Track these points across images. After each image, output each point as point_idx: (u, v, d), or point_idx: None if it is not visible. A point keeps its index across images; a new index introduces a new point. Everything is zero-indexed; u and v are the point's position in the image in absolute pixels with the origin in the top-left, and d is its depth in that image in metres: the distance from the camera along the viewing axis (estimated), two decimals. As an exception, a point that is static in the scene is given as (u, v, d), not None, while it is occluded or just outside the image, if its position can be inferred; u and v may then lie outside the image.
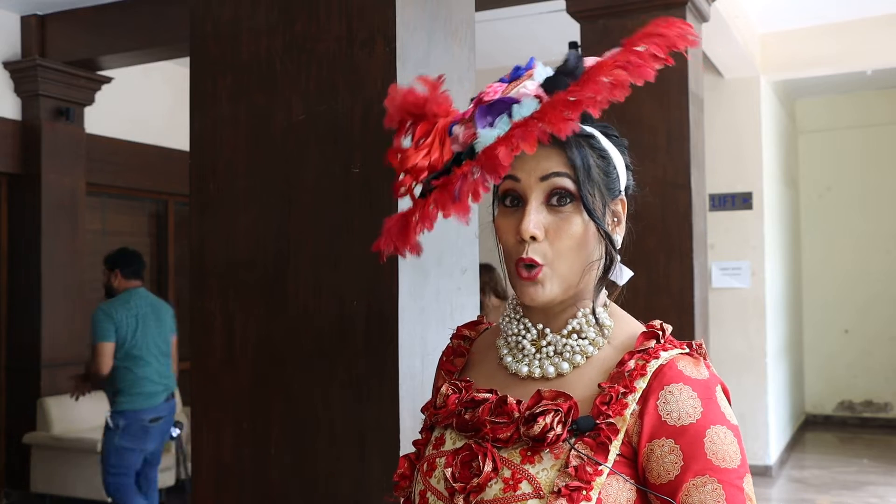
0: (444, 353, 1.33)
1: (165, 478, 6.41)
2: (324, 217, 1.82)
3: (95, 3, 6.32)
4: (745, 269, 7.25)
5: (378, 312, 1.75)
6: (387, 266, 1.70)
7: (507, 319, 1.22)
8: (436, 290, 1.83)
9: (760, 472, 7.06)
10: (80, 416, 6.44)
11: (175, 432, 5.51)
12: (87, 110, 6.89)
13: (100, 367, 4.93)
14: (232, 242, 1.94)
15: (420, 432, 1.28)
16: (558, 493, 1.03)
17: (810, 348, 9.44)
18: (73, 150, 6.72)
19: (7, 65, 6.51)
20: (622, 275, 1.22)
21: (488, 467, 1.08)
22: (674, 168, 4.35)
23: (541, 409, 1.08)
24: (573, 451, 1.06)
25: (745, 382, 7.19)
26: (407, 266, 1.74)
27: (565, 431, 1.06)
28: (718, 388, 1.10)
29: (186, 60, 2.07)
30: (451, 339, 1.34)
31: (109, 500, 6.02)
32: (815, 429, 9.11)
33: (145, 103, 7.46)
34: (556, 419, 1.06)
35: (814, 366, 9.44)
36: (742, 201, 7.26)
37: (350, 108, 1.79)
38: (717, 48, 6.39)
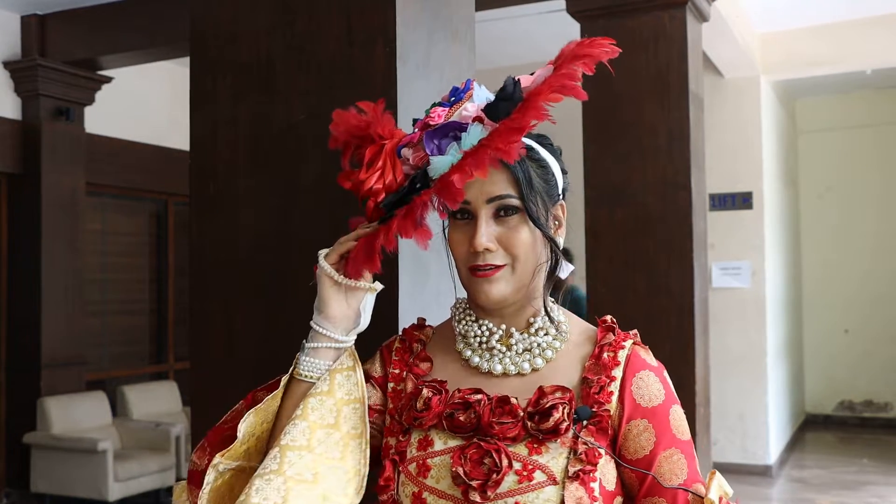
0: (394, 350, 1.36)
1: (165, 477, 6.43)
2: (324, 217, 1.82)
3: (95, 3, 6.32)
4: (746, 269, 7.24)
5: (377, 313, 1.75)
6: (386, 266, 1.70)
7: (462, 323, 1.29)
8: (436, 290, 1.83)
9: (760, 472, 7.06)
10: (80, 416, 6.45)
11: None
12: (87, 110, 6.88)
13: None
14: (232, 242, 1.93)
15: (393, 436, 1.27)
16: (574, 477, 1.13)
17: (810, 348, 9.44)
18: (73, 150, 6.72)
19: (7, 64, 6.51)
20: (565, 270, 1.29)
21: (505, 463, 1.14)
22: (674, 168, 4.35)
23: (550, 402, 1.16)
24: (580, 439, 1.16)
25: (746, 382, 7.19)
26: (407, 266, 1.73)
27: (571, 421, 1.16)
28: (666, 373, 1.25)
29: (186, 60, 2.07)
30: (401, 340, 1.36)
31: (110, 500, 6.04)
32: (815, 429, 9.12)
33: (145, 103, 7.45)
34: (566, 411, 1.16)
35: (814, 366, 9.44)
36: (742, 201, 7.25)
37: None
38: (717, 48, 6.39)
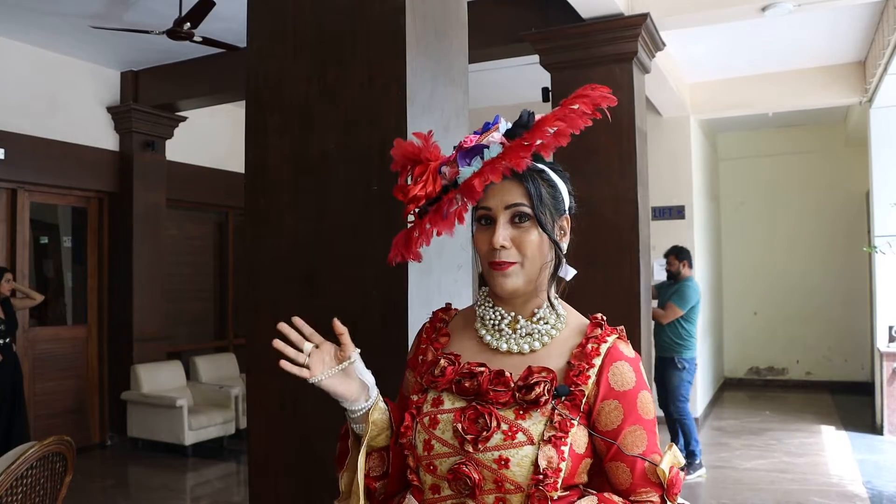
0: (424, 330, 1.33)
1: (227, 427, 6.39)
2: (349, 225, 1.79)
3: (175, 61, 6.34)
4: (679, 266, 7.19)
5: (391, 300, 1.72)
6: (399, 266, 1.66)
7: (482, 308, 1.25)
8: (438, 283, 1.80)
9: (690, 423, 7.02)
10: (163, 379, 6.43)
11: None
12: (168, 143, 6.87)
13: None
14: (277, 245, 1.90)
15: (414, 394, 1.25)
16: (548, 441, 1.11)
17: (728, 326, 9.41)
18: (157, 173, 6.71)
19: (110, 109, 6.53)
20: (568, 273, 1.25)
21: (494, 423, 1.13)
22: (624, 187, 4.31)
23: (535, 380, 1.14)
24: (556, 411, 1.13)
25: (678, 353, 7.13)
26: (414, 264, 1.70)
27: (550, 396, 1.13)
28: (640, 363, 1.20)
29: (243, 103, 2.03)
30: (430, 321, 1.33)
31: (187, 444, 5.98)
32: (730, 389, 9.08)
33: (212, 136, 7.42)
34: (546, 388, 1.13)
35: (730, 340, 9.41)
36: (677, 213, 7.23)
37: (370, 139, 1.75)
38: (656, 94, 6.35)
